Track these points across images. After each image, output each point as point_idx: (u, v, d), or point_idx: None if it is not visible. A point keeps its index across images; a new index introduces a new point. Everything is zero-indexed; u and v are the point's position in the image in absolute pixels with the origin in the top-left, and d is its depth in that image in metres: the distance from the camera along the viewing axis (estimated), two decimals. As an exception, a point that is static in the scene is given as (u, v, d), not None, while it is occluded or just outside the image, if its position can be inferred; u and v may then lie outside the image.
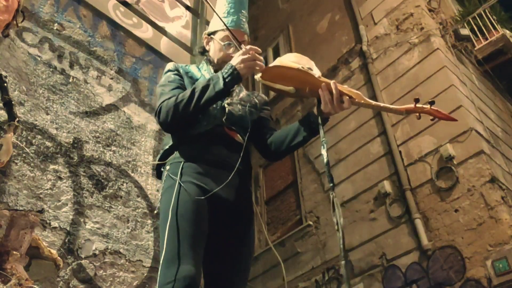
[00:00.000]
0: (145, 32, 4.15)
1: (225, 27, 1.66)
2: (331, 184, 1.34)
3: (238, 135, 1.62)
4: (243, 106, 1.69)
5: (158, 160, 1.63)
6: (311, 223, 6.70)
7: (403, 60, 6.49)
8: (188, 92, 1.53)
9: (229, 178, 1.49)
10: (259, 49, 1.53)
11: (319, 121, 1.50)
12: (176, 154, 1.57)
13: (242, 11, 1.76)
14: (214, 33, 1.75)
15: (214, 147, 1.56)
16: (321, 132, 1.49)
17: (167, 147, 1.61)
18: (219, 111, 1.61)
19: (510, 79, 7.32)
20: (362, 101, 1.47)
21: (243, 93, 1.77)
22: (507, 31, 7.06)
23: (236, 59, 1.50)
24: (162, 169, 1.61)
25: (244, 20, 1.76)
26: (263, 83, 1.55)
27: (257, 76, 1.53)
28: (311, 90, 1.51)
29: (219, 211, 1.50)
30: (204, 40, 1.82)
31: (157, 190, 3.45)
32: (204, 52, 1.81)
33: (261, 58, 1.52)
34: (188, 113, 1.50)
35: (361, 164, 6.38)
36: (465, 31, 6.80)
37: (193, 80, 1.69)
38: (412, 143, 5.82)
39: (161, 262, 1.37)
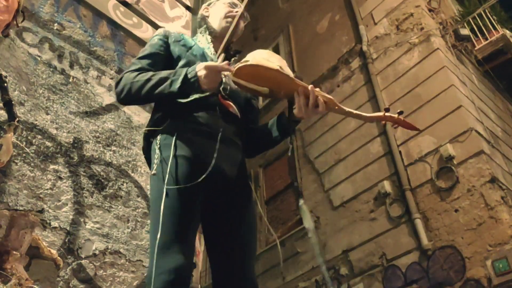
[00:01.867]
0: (145, 32, 4.15)
1: None
2: (300, 192, 1.34)
3: (234, 106, 1.56)
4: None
5: (149, 126, 1.55)
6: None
7: (403, 60, 6.49)
8: (148, 75, 1.47)
9: (235, 154, 1.48)
10: (232, 70, 1.40)
11: (291, 125, 1.48)
12: (168, 123, 1.48)
13: None
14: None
15: (209, 117, 1.49)
16: (292, 138, 1.47)
17: (158, 115, 1.53)
18: None
19: (510, 79, 7.32)
20: (336, 107, 1.44)
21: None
22: (507, 31, 7.06)
23: (203, 71, 1.40)
24: (151, 139, 1.53)
25: None
26: (235, 81, 1.44)
27: (229, 74, 1.42)
28: (286, 93, 1.45)
29: (216, 184, 1.44)
30: (203, 11, 1.80)
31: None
32: (202, 20, 1.80)
33: (229, 76, 1.46)
34: (140, 96, 1.47)
35: (361, 164, 6.38)
36: (465, 31, 6.80)
37: (186, 47, 1.64)
38: (412, 143, 5.82)
39: (155, 247, 1.29)
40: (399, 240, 5.49)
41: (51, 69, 3.20)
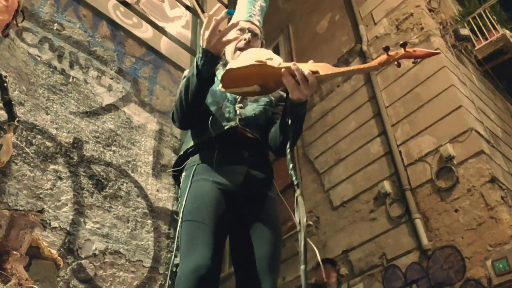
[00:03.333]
0: (145, 32, 4.15)
1: (237, 20, 1.64)
2: (296, 182, 1.32)
3: (250, 132, 1.60)
4: (258, 104, 1.66)
5: (174, 167, 1.64)
6: (311, 223, 6.69)
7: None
8: (181, 91, 1.53)
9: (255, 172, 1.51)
10: (219, 12, 1.37)
11: (289, 110, 1.42)
12: (191, 159, 1.58)
13: (258, 12, 1.77)
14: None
15: (226, 146, 1.55)
16: (289, 124, 1.41)
17: (181, 153, 1.62)
18: (231, 113, 1.60)
19: (510, 79, 7.32)
20: (330, 72, 1.33)
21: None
22: (507, 31, 7.06)
23: (202, 40, 1.41)
24: (180, 177, 1.61)
25: (258, 19, 1.75)
26: (228, 91, 1.45)
27: (219, 87, 1.44)
28: (275, 82, 1.39)
29: (240, 206, 1.50)
30: None
31: (157, 190, 3.45)
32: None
33: (222, 16, 1.37)
34: (184, 111, 1.52)
35: (361, 164, 6.38)
36: (465, 31, 6.79)
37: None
38: (412, 143, 5.82)
39: (180, 256, 1.36)
40: (399, 240, 5.49)
41: (51, 69, 3.20)
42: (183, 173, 1.56)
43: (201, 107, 1.55)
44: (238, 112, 1.61)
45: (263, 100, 1.69)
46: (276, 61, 1.36)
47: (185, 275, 1.28)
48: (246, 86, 1.40)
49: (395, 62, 1.29)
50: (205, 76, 1.43)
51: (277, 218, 1.56)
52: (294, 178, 1.30)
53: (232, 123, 1.57)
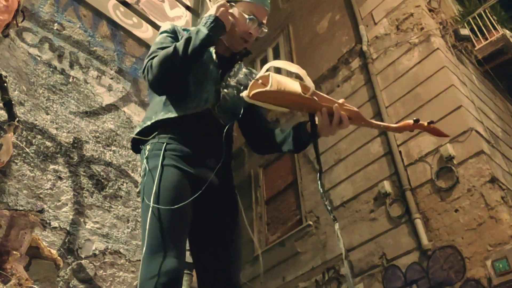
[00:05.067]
0: (145, 32, 4.15)
1: (251, 0, 1.55)
2: (332, 216, 1.32)
3: (223, 118, 1.54)
4: (239, 89, 1.59)
5: (137, 135, 1.52)
6: (311, 223, 6.69)
7: (403, 60, 6.49)
8: (171, 48, 1.44)
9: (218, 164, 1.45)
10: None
11: (312, 139, 1.45)
12: (158, 132, 1.47)
13: None
14: (235, 2, 1.57)
15: (199, 130, 1.48)
16: (318, 155, 1.46)
17: (149, 122, 1.50)
18: (211, 95, 1.52)
19: (510, 79, 7.32)
20: (362, 122, 1.40)
21: (242, 72, 1.68)
22: (507, 31, 7.06)
23: (216, 9, 1.45)
24: (141, 146, 1.52)
25: None
26: (250, 102, 1.37)
27: (244, 94, 1.34)
28: (307, 110, 1.41)
29: (204, 197, 1.42)
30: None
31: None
32: None
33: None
34: (175, 67, 1.43)
35: (361, 164, 6.38)
36: (465, 31, 6.80)
37: None
38: (412, 143, 5.82)
39: (143, 253, 1.31)
40: (399, 240, 5.49)
41: (51, 69, 3.20)
42: (148, 147, 1.46)
43: (188, 72, 1.48)
44: (221, 95, 1.54)
45: (245, 85, 1.61)
46: (309, 84, 1.34)
47: (156, 276, 1.24)
48: (276, 106, 1.36)
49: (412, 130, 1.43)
50: (209, 41, 1.43)
51: (236, 214, 1.54)
52: (329, 211, 1.34)
53: (209, 105, 1.50)
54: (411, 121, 1.39)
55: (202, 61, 1.54)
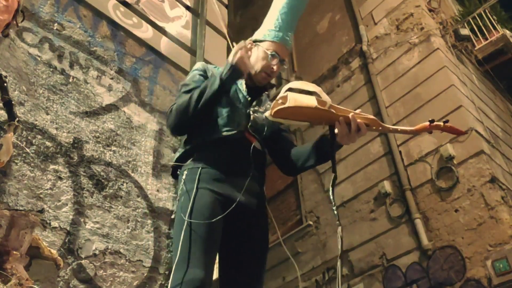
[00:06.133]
0: (145, 32, 4.15)
1: (274, 40, 1.68)
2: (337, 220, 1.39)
3: (257, 142, 1.64)
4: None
5: (175, 161, 1.63)
6: (311, 223, 6.70)
7: (403, 60, 6.49)
8: (188, 95, 1.54)
9: (257, 188, 1.59)
10: (247, 42, 1.55)
11: (333, 150, 1.53)
12: (195, 157, 1.57)
13: (292, 27, 1.79)
14: (261, 41, 1.72)
15: (233, 153, 1.57)
16: (334, 164, 1.50)
17: (186, 148, 1.61)
18: (243, 117, 1.62)
19: (510, 79, 7.32)
20: (380, 128, 1.50)
21: (268, 103, 1.78)
22: (507, 31, 7.06)
23: (231, 57, 1.52)
24: (178, 172, 1.61)
25: (291, 36, 1.78)
26: (274, 120, 1.50)
27: (267, 114, 1.48)
28: (326, 122, 1.51)
29: (235, 216, 1.51)
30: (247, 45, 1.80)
31: (157, 190, 3.45)
32: None
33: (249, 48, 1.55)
34: (189, 117, 1.53)
35: (361, 164, 6.38)
36: (465, 31, 6.80)
37: None
38: (412, 143, 5.82)
39: (174, 265, 1.38)
40: (399, 240, 5.49)
41: (51, 69, 3.20)
42: (185, 172, 1.55)
43: (205, 116, 1.57)
44: (251, 116, 1.64)
45: None
46: (326, 99, 1.46)
47: (179, 284, 1.30)
48: (297, 121, 1.50)
49: (431, 131, 1.48)
50: (225, 88, 1.52)
51: (266, 234, 1.66)
52: (337, 217, 1.45)
53: (242, 128, 1.60)
54: (427, 123, 1.46)
55: (234, 91, 1.66)
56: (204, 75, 1.69)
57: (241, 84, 1.69)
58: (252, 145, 1.59)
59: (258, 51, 1.70)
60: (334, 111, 1.45)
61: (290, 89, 1.46)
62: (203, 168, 1.52)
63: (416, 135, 1.46)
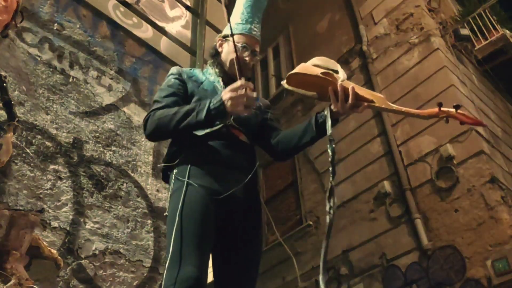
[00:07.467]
0: (145, 32, 4.15)
1: (242, 32, 1.71)
2: (331, 177, 1.38)
3: (243, 134, 1.64)
4: None
5: (165, 163, 1.63)
6: (311, 223, 6.70)
7: (403, 60, 6.49)
8: (174, 109, 1.54)
9: (246, 179, 1.54)
10: (252, 86, 1.51)
11: (328, 115, 1.50)
12: (182, 156, 1.57)
13: (257, 18, 1.77)
14: (229, 35, 1.73)
15: (221, 147, 1.57)
16: (328, 125, 1.48)
17: (173, 149, 1.62)
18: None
19: (510, 79, 7.31)
20: (383, 106, 1.47)
21: None
22: (507, 31, 7.05)
23: (227, 94, 1.47)
24: (169, 173, 1.62)
25: (258, 27, 1.77)
26: (288, 89, 1.58)
27: (283, 82, 1.56)
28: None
29: (228, 211, 1.51)
30: (217, 42, 1.82)
31: (157, 190, 3.45)
32: (215, 54, 1.81)
33: (253, 95, 1.49)
34: (168, 130, 1.53)
35: (361, 164, 6.38)
36: (465, 31, 6.79)
37: (198, 83, 1.71)
38: (412, 143, 5.82)
39: (166, 264, 1.38)
40: (399, 240, 5.49)
41: (51, 69, 3.20)
42: (175, 171, 1.56)
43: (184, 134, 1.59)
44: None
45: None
46: (340, 75, 1.49)
47: (173, 283, 1.30)
48: (306, 91, 1.56)
49: (444, 118, 1.46)
50: (206, 122, 1.50)
51: (261, 229, 1.64)
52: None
53: (224, 122, 1.59)
54: (435, 109, 1.45)
55: (213, 91, 1.67)
56: (180, 78, 1.70)
57: (219, 81, 1.72)
58: (238, 138, 1.61)
59: (228, 46, 1.74)
60: (337, 80, 1.48)
61: (314, 65, 1.54)
62: (191, 165, 1.53)
63: (424, 119, 1.41)
